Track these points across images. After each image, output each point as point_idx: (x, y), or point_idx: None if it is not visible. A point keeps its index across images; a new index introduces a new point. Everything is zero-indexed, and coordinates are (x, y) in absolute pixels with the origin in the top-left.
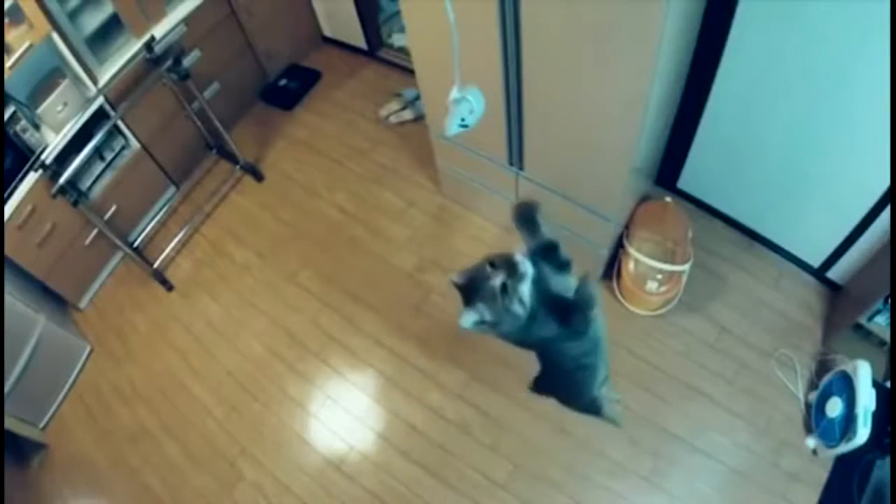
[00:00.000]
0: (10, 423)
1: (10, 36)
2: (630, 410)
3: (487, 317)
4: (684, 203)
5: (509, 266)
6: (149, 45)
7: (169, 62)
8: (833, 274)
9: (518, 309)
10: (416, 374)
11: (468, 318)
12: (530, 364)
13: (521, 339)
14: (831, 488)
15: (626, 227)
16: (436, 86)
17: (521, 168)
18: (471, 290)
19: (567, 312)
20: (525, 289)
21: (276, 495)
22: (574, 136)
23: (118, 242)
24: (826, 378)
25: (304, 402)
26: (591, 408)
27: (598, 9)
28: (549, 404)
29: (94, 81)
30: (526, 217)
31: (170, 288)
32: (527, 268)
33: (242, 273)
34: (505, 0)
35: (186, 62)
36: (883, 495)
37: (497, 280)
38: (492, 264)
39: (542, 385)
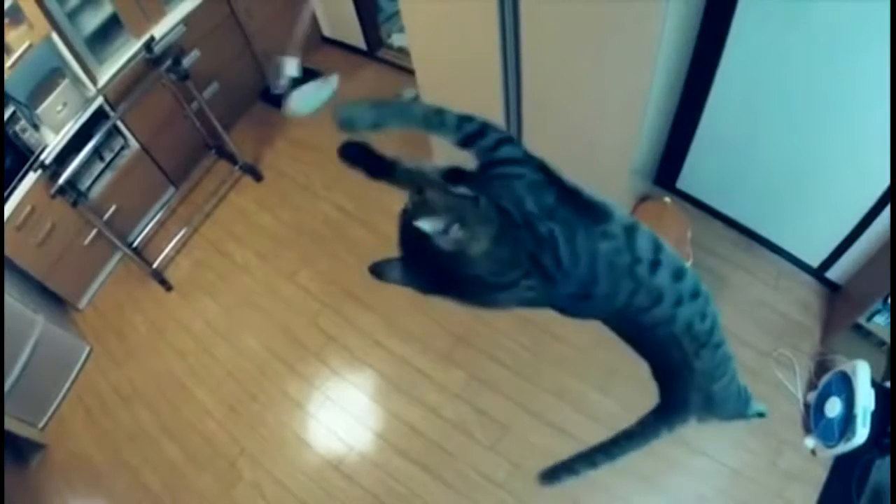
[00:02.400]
0: (9, 424)
1: (10, 36)
2: (630, 411)
3: (443, 220)
4: (683, 203)
5: (412, 188)
6: (148, 46)
7: (168, 62)
8: (832, 274)
9: (456, 188)
10: (415, 374)
11: (425, 223)
12: (531, 364)
13: (554, 266)
14: (830, 488)
15: None
16: (435, 86)
17: None
18: (409, 244)
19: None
20: (440, 174)
21: (275, 495)
22: (573, 135)
23: (117, 242)
24: (825, 378)
25: (304, 402)
26: (746, 394)
27: (598, 8)
28: (549, 404)
29: (94, 81)
30: (355, 157)
31: (169, 288)
32: (417, 165)
33: (241, 273)
34: (504, 0)
35: (186, 62)
36: (882, 495)
37: (412, 197)
38: (403, 210)
39: (686, 411)
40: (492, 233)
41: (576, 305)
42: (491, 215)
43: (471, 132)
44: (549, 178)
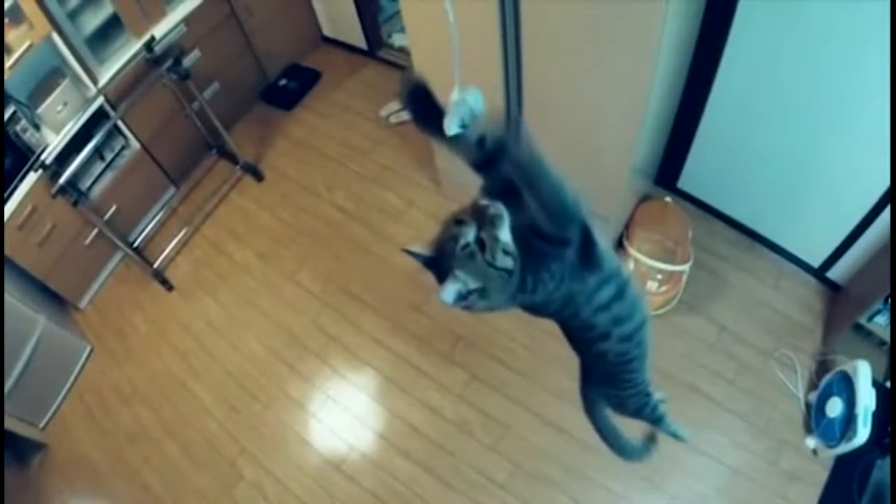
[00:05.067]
0: (10, 423)
1: (11, 36)
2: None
3: (471, 283)
4: (684, 203)
5: (477, 213)
6: (149, 45)
7: (169, 62)
8: (833, 274)
9: (505, 260)
10: (416, 373)
11: (449, 292)
12: (532, 364)
13: (527, 301)
14: (831, 488)
15: (626, 227)
16: (436, 86)
17: None
18: (441, 259)
19: (549, 230)
20: (505, 233)
21: (276, 495)
22: (574, 135)
23: (118, 242)
24: (826, 378)
25: (304, 402)
26: (652, 413)
27: (599, 9)
28: (550, 404)
29: (94, 81)
30: (418, 98)
31: (170, 288)
32: (498, 208)
33: (242, 273)
34: (505, 0)
35: (186, 62)
36: (883, 495)
37: (469, 235)
38: (457, 221)
39: (589, 388)
40: (502, 298)
41: (527, 310)
42: (513, 289)
43: (558, 213)
44: (583, 246)
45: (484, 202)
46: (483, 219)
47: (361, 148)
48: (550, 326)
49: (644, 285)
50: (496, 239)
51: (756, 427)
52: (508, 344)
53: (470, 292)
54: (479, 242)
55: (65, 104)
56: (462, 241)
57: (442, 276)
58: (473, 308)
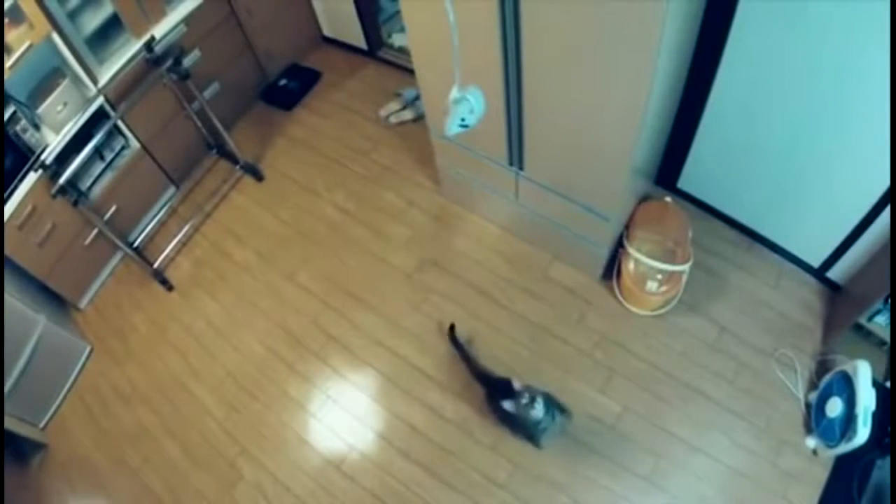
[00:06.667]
0: (10, 423)
1: (10, 36)
2: (630, 411)
3: (518, 410)
4: (684, 203)
5: (533, 395)
6: (149, 45)
7: (169, 62)
8: (833, 274)
9: (532, 415)
10: (416, 373)
11: (510, 405)
12: (531, 364)
13: (520, 423)
14: (831, 488)
15: (626, 226)
16: (436, 86)
17: (520, 168)
18: (512, 394)
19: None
20: (538, 409)
21: (275, 495)
22: (574, 136)
23: (118, 242)
24: (826, 378)
25: (304, 402)
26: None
27: (598, 9)
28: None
29: (94, 81)
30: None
31: (170, 288)
32: (539, 409)
33: (242, 273)
34: (505, 0)
35: (186, 62)
36: (883, 495)
37: (525, 398)
38: (528, 389)
39: (499, 412)
40: (523, 417)
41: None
42: (528, 419)
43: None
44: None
45: (538, 400)
46: (533, 399)
47: (361, 148)
48: (551, 326)
49: (644, 285)
50: (534, 407)
51: (756, 427)
52: (509, 344)
53: (517, 411)
54: (528, 403)
55: (65, 104)
56: (521, 399)
57: (508, 397)
58: (512, 415)
